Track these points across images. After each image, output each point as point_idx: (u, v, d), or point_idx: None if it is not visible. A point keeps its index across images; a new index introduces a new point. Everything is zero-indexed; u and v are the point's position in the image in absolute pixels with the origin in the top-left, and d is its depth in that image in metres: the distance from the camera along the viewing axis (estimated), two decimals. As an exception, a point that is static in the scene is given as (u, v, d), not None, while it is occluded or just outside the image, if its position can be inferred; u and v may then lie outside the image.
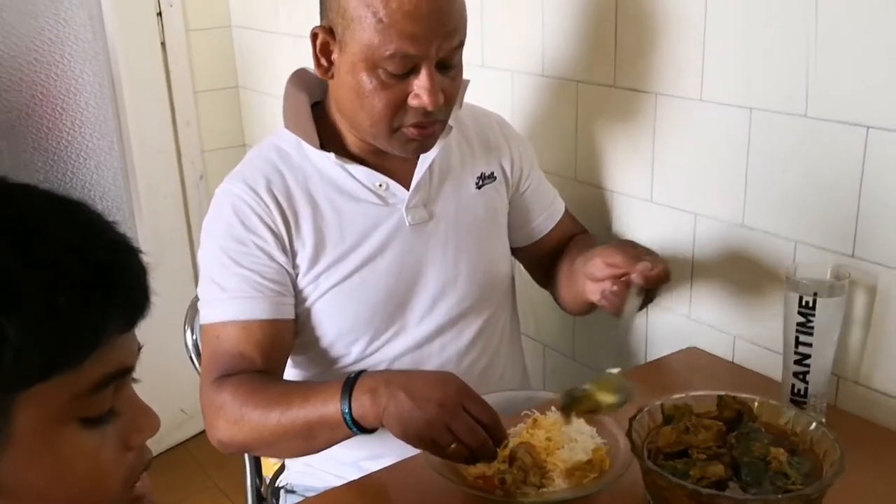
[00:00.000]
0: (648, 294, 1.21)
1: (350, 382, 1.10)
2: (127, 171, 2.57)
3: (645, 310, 1.56)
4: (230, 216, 1.24)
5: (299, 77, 1.32)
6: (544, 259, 1.49)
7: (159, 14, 2.52)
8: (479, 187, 1.38)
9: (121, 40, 2.44)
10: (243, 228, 1.23)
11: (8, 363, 0.56)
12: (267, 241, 1.24)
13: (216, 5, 2.64)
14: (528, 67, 1.66)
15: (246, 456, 1.57)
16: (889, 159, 1.15)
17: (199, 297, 1.26)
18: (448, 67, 1.20)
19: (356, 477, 1.20)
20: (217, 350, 1.22)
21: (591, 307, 1.37)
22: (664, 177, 1.47)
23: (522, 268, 1.78)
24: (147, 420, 0.68)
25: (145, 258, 0.66)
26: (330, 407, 1.10)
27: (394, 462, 1.20)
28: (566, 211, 1.50)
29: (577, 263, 1.32)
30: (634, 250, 1.22)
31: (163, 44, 2.54)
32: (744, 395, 1.10)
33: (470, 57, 1.77)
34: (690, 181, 1.43)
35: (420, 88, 1.16)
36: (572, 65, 1.57)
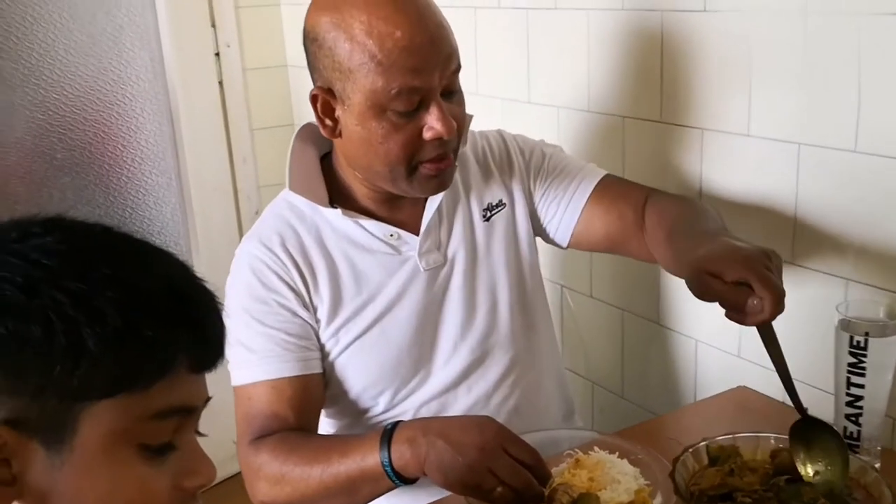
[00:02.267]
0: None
1: (387, 434, 1.11)
2: (185, 207, 2.63)
3: (695, 348, 1.54)
4: (249, 276, 1.25)
5: (307, 131, 1.31)
6: (613, 234, 1.35)
7: (217, 54, 2.58)
8: (486, 219, 1.35)
9: (180, 80, 2.51)
10: (263, 288, 1.24)
11: (81, 373, 0.60)
12: (287, 298, 1.24)
13: (272, 45, 2.70)
14: (574, 103, 1.66)
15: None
16: (943, 195, 1.12)
17: (228, 359, 1.26)
18: (452, 93, 1.20)
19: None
20: (250, 412, 1.23)
21: None
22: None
23: (570, 301, 1.78)
24: (204, 467, 0.70)
25: (226, 318, 0.71)
26: (370, 460, 1.11)
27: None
28: (608, 177, 1.37)
29: (680, 260, 1.15)
30: (723, 287, 1.02)
31: (220, 83, 2.60)
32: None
33: (516, 93, 1.79)
34: (737, 217, 1.40)
35: (433, 120, 1.16)
36: (618, 100, 1.57)
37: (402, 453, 1.08)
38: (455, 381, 1.32)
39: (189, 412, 0.68)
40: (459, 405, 1.33)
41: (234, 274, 1.29)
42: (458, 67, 1.19)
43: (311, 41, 1.19)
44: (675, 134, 1.47)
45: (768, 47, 1.29)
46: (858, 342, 1.14)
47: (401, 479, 1.10)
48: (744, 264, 1.02)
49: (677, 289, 1.55)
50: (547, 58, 1.71)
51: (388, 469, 1.09)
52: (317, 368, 1.27)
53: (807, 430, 1.06)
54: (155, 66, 2.51)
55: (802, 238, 1.31)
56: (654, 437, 1.32)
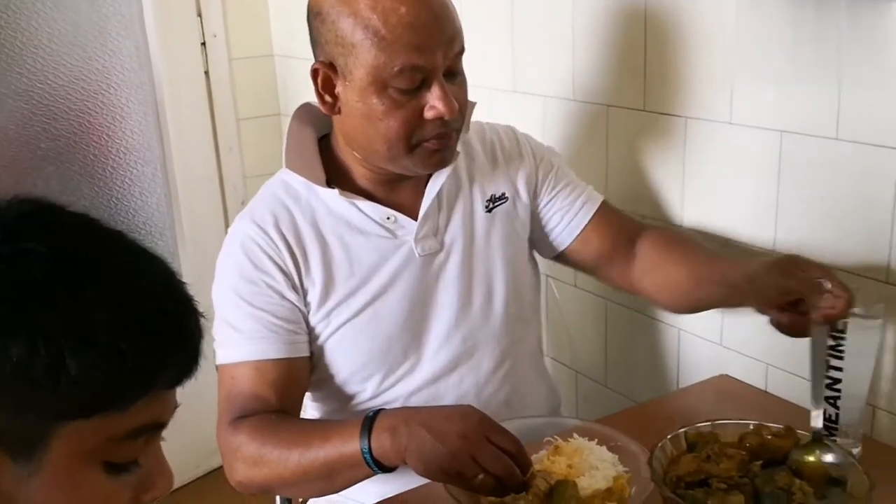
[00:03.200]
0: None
1: (368, 422, 1.10)
2: (171, 197, 2.62)
3: (678, 336, 1.55)
4: (240, 256, 1.24)
5: (305, 111, 1.31)
6: (601, 257, 1.39)
7: (203, 44, 2.57)
8: (489, 210, 1.35)
9: (165, 70, 2.50)
10: (253, 268, 1.23)
11: (60, 392, 0.59)
12: (277, 280, 1.23)
13: (259, 35, 2.69)
14: (560, 93, 1.66)
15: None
16: (922, 182, 1.12)
17: (214, 337, 1.26)
18: (454, 74, 1.19)
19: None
20: (232, 391, 1.22)
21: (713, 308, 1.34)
22: (695, 201, 1.45)
23: (556, 291, 1.78)
24: (163, 480, 0.69)
25: (205, 323, 0.68)
26: (350, 446, 1.10)
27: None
28: (606, 203, 1.40)
29: (728, 273, 1.21)
30: (806, 274, 1.08)
31: (206, 73, 2.59)
32: (776, 426, 1.08)
33: (502, 82, 1.78)
34: (721, 205, 1.41)
35: (434, 99, 1.15)
36: (602, 89, 1.57)
37: (382, 442, 1.08)
38: (445, 370, 1.32)
39: (159, 427, 0.67)
40: (450, 396, 1.32)
41: (225, 252, 1.27)
42: (462, 49, 1.19)
43: (314, 15, 1.19)
44: (658, 122, 1.47)
45: (751, 36, 1.29)
46: (839, 326, 1.14)
47: (380, 467, 1.09)
48: (819, 267, 1.09)
49: (660, 278, 1.54)
50: (532, 47, 1.71)
51: (368, 456, 1.08)
52: (303, 352, 1.26)
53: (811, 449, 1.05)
54: (140, 56, 2.49)
55: (784, 225, 1.31)
56: (635, 424, 1.32)
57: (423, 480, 1.15)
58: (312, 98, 1.24)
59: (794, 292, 1.07)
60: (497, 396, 1.35)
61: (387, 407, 1.28)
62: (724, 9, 1.32)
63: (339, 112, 1.21)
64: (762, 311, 1.13)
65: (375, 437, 1.08)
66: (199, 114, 2.61)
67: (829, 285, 1.05)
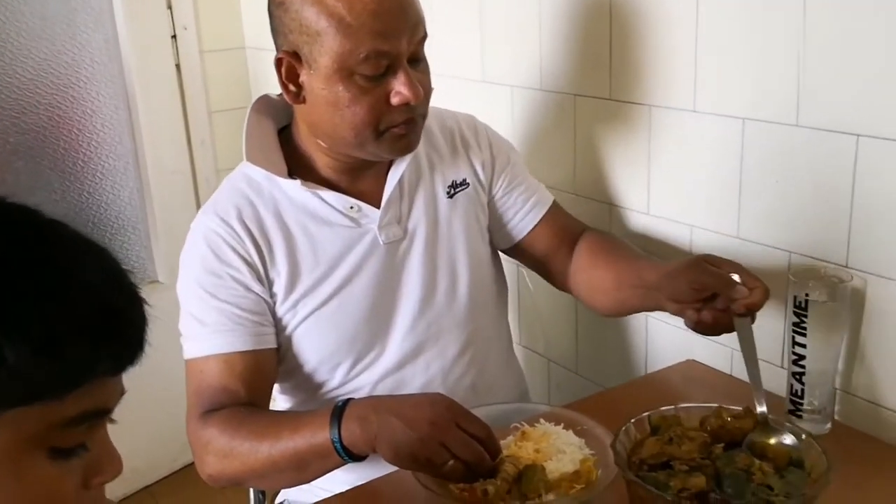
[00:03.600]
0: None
1: (338, 411, 1.10)
2: (143, 191, 2.61)
3: (646, 323, 1.56)
4: (204, 249, 1.24)
5: (263, 104, 1.31)
6: (547, 254, 1.43)
7: (174, 37, 2.56)
8: (450, 196, 1.36)
9: (136, 63, 2.49)
10: (217, 261, 1.23)
11: (1, 381, 0.58)
12: (242, 272, 1.24)
13: (230, 28, 2.68)
14: (527, 82, 1.67)
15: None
16: (880, 167, 1.14)
17: (181, 331, 1.26)
18: (418, 60, 1.20)
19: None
20: (201, 385, 1.23)
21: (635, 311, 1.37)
22: (660, 189, 1.46)
23: (529, 281, 1.79)
24: (112, 464, 0.69)
25: (149, 311, 0.68)
26: (320, 436, 1.10)
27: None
28: (555, 204, 1.44)
29: (644, 274, 1.25)
30: (718, 270, 1.12)
31: (177, 66, 2.58)
32: (736, 408, 1.10)
33: (470, 72, 1.79)
34: (686, 193, 1.42)
35: (400, 85, 1.16)
36: (569, 79, 1.58)
37: (352, 430, 1.08)
38: (411, 356, 1.33)
39: (104, 413, 0.66)
40: (417, 382, 1.33)
41: (189, 246, 1.27)
42: (425, 36, 1.20)
43: (276, 5, 1.19)
44: (623, 111, 1.48)
45: (712, 25, 1.31)
46: (800, 302, 1.17)
47: (350, 456, 1.10)
48: (730, 262, 1.14)
49: (628, 265, 1.56)
50: (500, 38, 1.71)
51: (338, 446, 1.09)
52: (270, 343, 1.26)
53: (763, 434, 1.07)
54: (110, 49, 2.48)
55: (747, 212, 1.33)
56: (604, 409, 1.33)
57: (393, 468, 1.16)
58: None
59: (708, 287, 1.11)
60: (463, 381, 1.36)
61: (355, 394, 1.29)
62: (686, -2, 1.33)
63: (304, 101, 1.21)
64: (678, 311, 1.17)
65: (345, 426, 1.09)
66: (170, 107, 2.60)
67: (739, 279, 1.10)
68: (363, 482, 1.23)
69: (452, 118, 1.42)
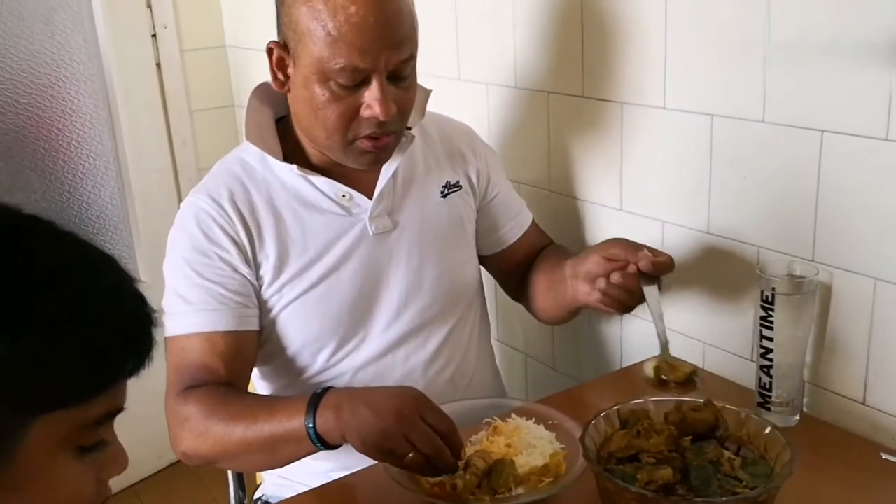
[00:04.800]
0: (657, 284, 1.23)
1: (315, 399, 1.11)
2: (124, 191, 2.61)
3: (620, 319, 1.58)
4: (193, 228, 1.26)
5: (263, 91, 1.33)
6: (513, 270, 1.49)
7: (154, 35, 2.56)
8: (444, 195, 1.38)
9: (116, 62, 2.49)
10: (206, 240, 1.25)
11: (40, 388, 0.61)
12: (230, 253, 1.25)
13: (210, 26, 2.68)
14: (502, 80, 1.68)
15: (229, 471, 1.58)
16: (843, 163, 1.16)
17: (164, 308, 1.27)
18: (400, 79, 1.21)
19: (323, 486, 1.21)
20: (182, 362, 1.23)
21: (572, 314, 1.39)
22: (632, 185, 1.48)
23: (502, 278, 1.80)
24: (122, 457, 0.72)
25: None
26: (295, 422, 1.11)
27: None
28: (533, 222, 1.50)
29: (564, 268, 1.32)
30: (632, 243, 1.24)
31: (158, 64, 2.58)
32: (693, 400, 1.11)
33: (446, 70, 1.80)
34: (657, 188, 1.44)
35: (371, 99, 1.18)
36: (543, 76, 1.59)
37: (326, 419, 1.09)
38: (393, 347, 1.34)
39: (119, 411, 0.70)
40: (397, 372, 1.34)
41: (178, 225, 1.28)
42: (412, 56, 1.21)
43: None
44: (596, 108, 1.50)
45: (681, 23, 1.32)
46: (767, 297, 1.19)
47: (323, 444, 1.11)
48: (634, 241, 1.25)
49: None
50: (475, 36, 1.72)
51: (312, 432, 1.10)
52: (252, 325, 1.27)
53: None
54: (89, 48, 2.48)
55: (717, 207, 1.35)
56: (577, 403, 1.35)
57: (369, 463, 1.17)
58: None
59: (616, 257, 1.22)
60: (443, 375, 1.37)
61: (336, 381, 1.31)
62: (656, -4, 1.35)
63: (289, 91, 1.25)
64: (591, 291, 1.25)
65: (320, 413, 1.10)
66: (151, 106, 2.60)
67: (645, 248, 1.21)
68: (338, 476, 1.25)
69: (451, 126, 1.45)
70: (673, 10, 1.32)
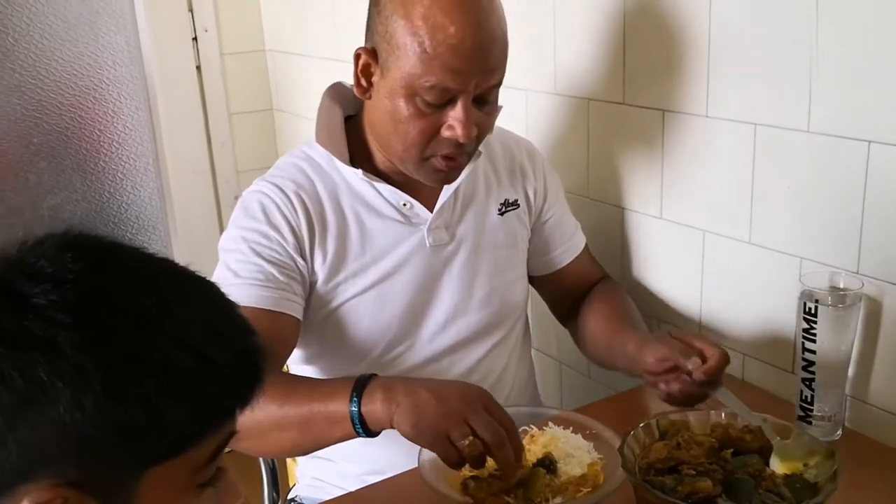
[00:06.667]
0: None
1: (363, 379, 1.08)
2: (163, 192, 2.64)
3: (657, 328, 1.56)
4: (257, 212, 1.26)
5: (335, 90, 1.34)
6: (563, 295, 1.49)
7: (195, 39, 2.59)
8: (501, 213, 1.39)
9: (157, 64, 2.52)
10: (268, 224, 1.25)
11: (150, 441, 0.60)
12: (287, 241, 1.25)
13: (250, 30, 2.71)
14: (542, 86, 1.67)
15: (264, 471, 1.59)
16: (891, 174, 1.14)
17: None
18: (484, 103, 1.21)
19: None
20: None
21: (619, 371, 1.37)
22: (673, 193, 1.47)
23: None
24: (236, 488, 0.71)
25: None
26: (338, 400, 1.07)
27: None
28: (586, 248, 1.50)
29: (627, 344, 1.26)
30: (682, 342, 1.18)
31: (198, 67, 2.61)
32: (741, 424, 1.09)
33: (485, 76, 1.79)
34: (698, 197, 1.42)
35: (455, 120, 1.18)
36: (583, 83, 1.58)
37: (373, 398, 1.05)
38: (437, 358, 1.35)
39: (231, 437, 0.69)
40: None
41: (242, 206, 1.29)
42: (500, 82, 1.22)
43: (374, 3, 1.21)
44: (637, 115, 1.49)
45: (726, 31, 1.31)
46: (810, 309, 1.17)
47: (363, 428, 1.06)
48: (687, 335, 1.21)
49: (640, 271, 1.57)
50: (515, 42, 1.71)
51: (355, 414, 1.06)
52: (296, 313, 1.25)
53: None
54: (132, 51, 2.51)
55: (759, 217, 1.33)
56: (614, 413, 1.34)
57: (402, 466, 1.17)
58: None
59: (666, 358, 1.16)
60: (482, 385, 1.36)
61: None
62: (699, 3, 1.33)
63: (370, 98, 1.24)
64: (653, 384, 1.20)
65: (368, 394, 1.06)
66: (191, 108, 2.63)
67: (698, 344, 1.16)
68: (373, 481, 1.25)
69: (514, 142, 1.45)
70: (717, 17, 1.31)
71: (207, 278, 0.68)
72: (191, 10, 2.56)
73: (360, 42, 1.24)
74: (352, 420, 1.06)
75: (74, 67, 2.42)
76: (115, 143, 2.54)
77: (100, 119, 2.50)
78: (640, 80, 1.47)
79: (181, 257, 2.77)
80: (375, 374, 1.10)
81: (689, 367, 1.13)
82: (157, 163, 2.61)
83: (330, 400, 1.08)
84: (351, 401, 1.06)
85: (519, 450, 1.04)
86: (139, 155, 2.59)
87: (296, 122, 2.66)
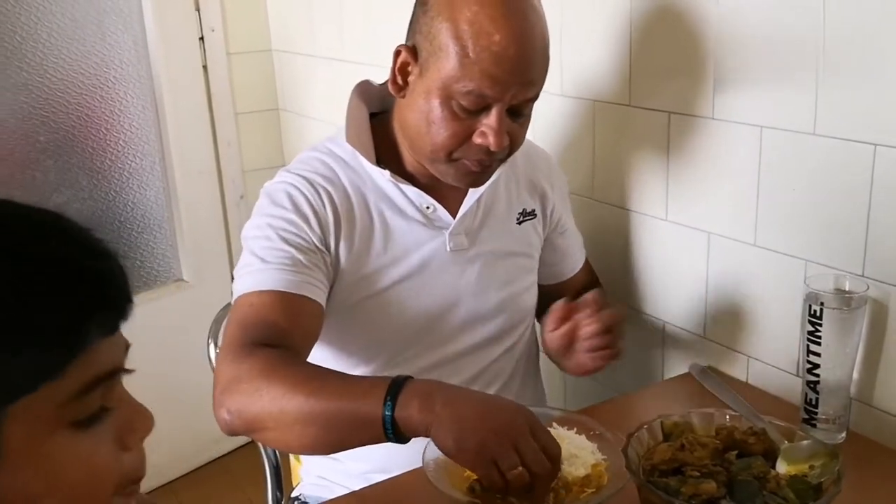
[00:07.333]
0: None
1: (400, 381, 1.01)
2: (169, 191, 2.65)
3: (663, 329, 1.57)
4: (284, 200, 1.25)
5: (362, 88, 1.34)
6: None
7: (201, 38, 2.60)
8: (519, 223, 1.40)
9: (164, 64, 2.53)
10: (295, 212, 1.24)
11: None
12: (313, 229, 1.24)
13: (257, 30, 2.71)
14: (548, 87, 1.66)
15: (267, 469, 1.59)
16: (897, 177, 1.14)
17: (236, 271, 1.24)
18: (519, 115, 1.21)
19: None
20: (247, 318, 1.16)
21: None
22: (678, 195, 1.47)
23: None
24: (142, 418, 0.66)
25: (125, 263, 0.65)
26: (370, 401, 1.00)
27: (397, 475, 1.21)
28: (587, 261, 1.53)
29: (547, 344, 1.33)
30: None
31: (205, 67, 2.62)
32: (745, 425, 1.09)
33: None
34: (703, 199, 1.42)
35: (487, 128, 1.18)
36: (589, 84, 1.59)
37: (409, 403, 0.98)
38: (448, 360, 1.35)
39: (114, 374, 0.63)
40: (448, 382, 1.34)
41: (268, 196, 1.27)
42: (536, 96, 1.22)
43: (420, 3, 1.21)
44: (643, 117, 1.49)
45: (732, 32, 1.31)
46: (815, 311, 1.17)
47: (394, 433, 1.00)
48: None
49: (645, 272, 1.57)
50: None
51: (388, 417, 0.99)
52: (320, 298, 1.22)
53: None
54: (139, 50, 2.52)
55: (764, 220, 1.33)
56: (618, 414, 1.35)
57: (406, 465, 1.16)
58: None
59: (556, 308, 1.27)
60: (489, 390, 1.38)
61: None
62: (706, 6, 1.33)
63: (405, 97, 1.24)
64: (591, 364, 1.30)
65: (403, 397, 0.99)
66: (197, 108, 2.63)
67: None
68: (378, 479, 1.25)
69: (535, 153, 1.47)
70: (724, 19, 1.31)
71: (54, 210, 0.64)
72: (198, 10, 2.57)
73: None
74: (383, 424, 1.00)
75: (81, 66, 2.42)
76: (121, 142, 2.55)
77: (106, 118, 2.50)
78: (647, 82, 1.47)
79: (187, 256, 2.79)
80: (411, 377, 1.03)
81: (579, 304, 1.24)
82: (163, 162, 2.62)
83: (362, 400, 1.01)
84: (385, 404, 0.99)
85: (555, 476, 1.00)
86: (145, 154, 2.60)
87: (302, 122, 2.67)
